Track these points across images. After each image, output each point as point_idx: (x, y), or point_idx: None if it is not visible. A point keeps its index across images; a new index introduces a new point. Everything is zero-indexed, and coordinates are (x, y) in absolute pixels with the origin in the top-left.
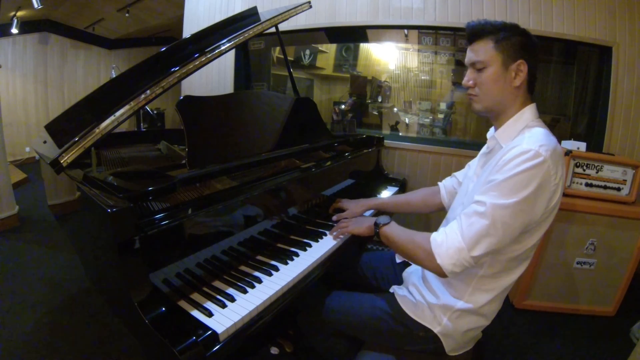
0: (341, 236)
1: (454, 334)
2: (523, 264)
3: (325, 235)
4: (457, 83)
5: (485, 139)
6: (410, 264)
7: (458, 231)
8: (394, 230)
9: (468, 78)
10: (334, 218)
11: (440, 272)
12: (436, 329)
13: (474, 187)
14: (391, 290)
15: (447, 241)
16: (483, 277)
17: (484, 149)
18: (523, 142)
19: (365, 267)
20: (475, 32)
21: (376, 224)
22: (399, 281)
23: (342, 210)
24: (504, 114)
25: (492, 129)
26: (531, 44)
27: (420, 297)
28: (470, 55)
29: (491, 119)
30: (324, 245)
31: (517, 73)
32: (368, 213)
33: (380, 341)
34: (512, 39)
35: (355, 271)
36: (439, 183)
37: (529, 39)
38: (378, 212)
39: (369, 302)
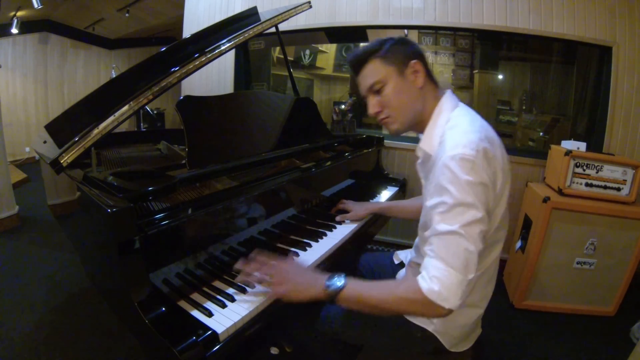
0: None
1: (449, 329)
2: (495, 247)
3: (326, 235)
4: (457, 83)
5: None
6: (404, 265)
7: (445, 266)
8: (361, 290)
9: (372, 105)
10: (338, 218)
11: (447, 314)
12: (430, 328)
13: (424, 197)
14: None
15: (444, 284)
16: None
17: (418, 160)
18: (446, 148)
19: (363, 268)
20: (359, 60)
21: (328, 287)
22: None
23: (345, 211)
24: (422, 119)
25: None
26: (413, 45)
27: None
28: (364, 82)
29: (415, 131)
30: (324, 245)
31: (415, 74)
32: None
33: (379, 346)
34: (395, 48)
35: (353, 272)
36: None
37: (409, 42)
38: (378, 216)
39: None
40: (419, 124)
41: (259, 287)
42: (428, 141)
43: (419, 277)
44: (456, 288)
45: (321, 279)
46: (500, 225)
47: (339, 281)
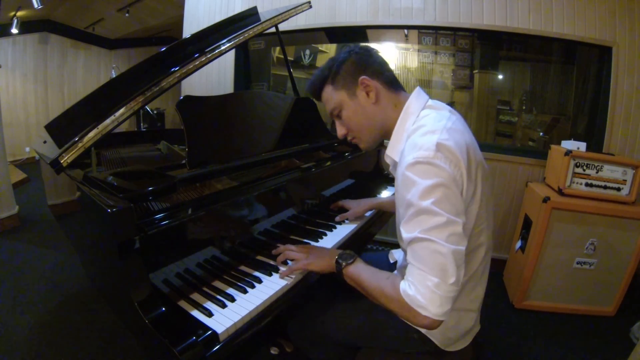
0: (292, 275)
1: (441, 331)
2: (478, 252)
3: (325, 235)
4: (457, 83)
5: (484, 139)
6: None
7: (419, 271)
8: (359, 272)
9: (339, 129)
10: (337, 218)
11: (432, 325)
12: (423, 329)
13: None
14: None
15: (418, 289)
16: None
17: (390, 167)
18: (405, 154)
19: None
20: (315, 89)
21: (338, 262)
22: None
23: (345, 210)
24: (389, 130)
25: None
26: (360, 57)
27: None
28: (326, 109)
29: (387, 140)
30: (325, 245)
31: (367, 91)
32: (369, 213)
33: (378, 346)
34: (341, 69)
35: None
36: None
37: (355, 55)
38: (380, 214)
39: (365, 309)
40: (388, 134)
41: (259, 287)
42: (393, 148)
43: (403, 279)
44: (431, 294)
45: (336, 253)
46: (482, 228)
47: (349, 258)
